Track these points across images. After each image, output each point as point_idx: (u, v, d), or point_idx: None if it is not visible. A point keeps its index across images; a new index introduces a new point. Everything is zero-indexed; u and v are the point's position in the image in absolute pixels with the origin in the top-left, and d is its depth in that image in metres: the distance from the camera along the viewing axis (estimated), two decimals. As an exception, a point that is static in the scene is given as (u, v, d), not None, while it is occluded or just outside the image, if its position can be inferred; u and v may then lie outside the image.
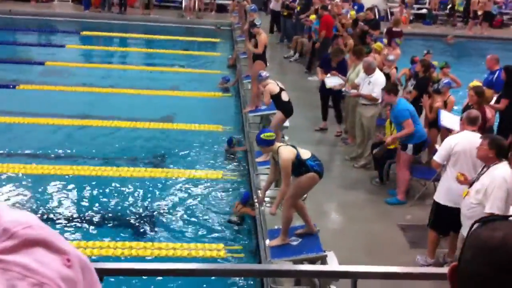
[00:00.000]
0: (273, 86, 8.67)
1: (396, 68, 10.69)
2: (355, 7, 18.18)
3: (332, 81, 10.00)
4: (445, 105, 8.38)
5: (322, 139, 9.95)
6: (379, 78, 8.68)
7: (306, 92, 12.53)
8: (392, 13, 22.50)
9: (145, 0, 20.90)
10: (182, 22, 20.07)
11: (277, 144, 6.00)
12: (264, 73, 8.82)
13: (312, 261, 5.92)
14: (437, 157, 6.09)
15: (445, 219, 5.96)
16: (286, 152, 5.79)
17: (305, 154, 5.95)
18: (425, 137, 7.65)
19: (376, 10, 19.36)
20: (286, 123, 9.32)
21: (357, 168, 8.62)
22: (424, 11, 23.27)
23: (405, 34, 18.96)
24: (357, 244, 6.60)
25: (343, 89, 9.58)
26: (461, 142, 5.90)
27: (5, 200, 7.43)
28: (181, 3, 21.86)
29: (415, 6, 23.22)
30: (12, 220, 0.77)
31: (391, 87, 7.72)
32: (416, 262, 6.23)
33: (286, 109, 8.71)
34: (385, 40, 13.16)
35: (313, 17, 15.14)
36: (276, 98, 8.69)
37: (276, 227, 6.36)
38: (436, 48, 19.30)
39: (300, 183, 5.91)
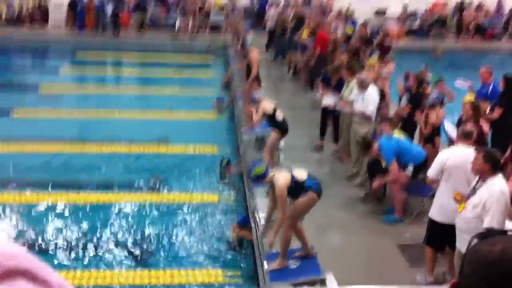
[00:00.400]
0: (267, 105, 8.67)
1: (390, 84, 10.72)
2: (350, 24, 18.30)
3: (328, 100, 10.03)
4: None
5: (318, 158, 9.92)
6: (372, 94, 8.69)
7: (302, 110, 12.54)
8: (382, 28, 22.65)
9: (138, 20, 20.98)
10: (176, 43, 20.16)
11: (273, 171, 5.98)
12: (257, 95, 8.83)
13: (311, 284, 5.87)
14: (430, 173, 6.11)
15: (440, 235, 5.95)
16: (280, 180, 5.77)
17: (302, 174, 5.93)
18: (423, 157, 7.58)
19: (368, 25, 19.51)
20: (281, 143, 9.31)
21: (353, 186, 8.58)
22: (416, 24, 23.39)
23: (399, 49, 19.11)
24: (356, 264, 6.55)
25: (337, 107, 9.60)
26: (453, 157, 5.90)
27: (-1, 230, 7.37)
28: (174, 24, 21.97)
29: (408, 21, 23.34)
30: None
31: (395, 122, 7.65)
32: (416, 281, 6.17)
33: (281, 127, 8.70)
34: (375, 56, 13.22)
35: (305, 34, 15.21)
36: (270, 117, 8.68)
37: (274, 251, 6.30)
38: (430, 62, 19.41)
39: (299, 204, 5.88)
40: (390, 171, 7.36)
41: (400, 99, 10.09)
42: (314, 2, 22.71)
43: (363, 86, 8.71)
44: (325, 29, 14.83)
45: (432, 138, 8.47)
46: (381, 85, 10.05)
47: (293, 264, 6.13)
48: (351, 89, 9.32)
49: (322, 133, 10.28)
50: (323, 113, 10.27)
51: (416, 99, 9.18)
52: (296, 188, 5.81)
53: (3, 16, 19.98)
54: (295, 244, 6.67)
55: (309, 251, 6.15)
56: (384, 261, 6.66)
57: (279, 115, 8.72)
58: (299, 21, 17.02)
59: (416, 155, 7.55)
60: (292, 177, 5.81)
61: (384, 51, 13.78)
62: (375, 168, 7.87)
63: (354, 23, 18.84)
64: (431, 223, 6.08)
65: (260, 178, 5.96)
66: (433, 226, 6.04)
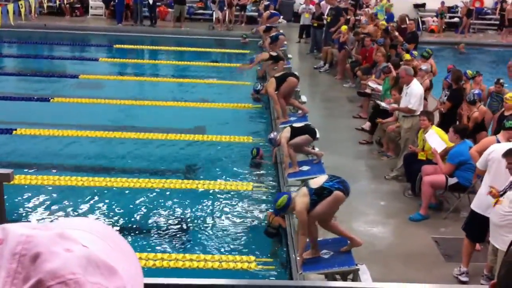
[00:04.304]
0: (285, 134, 8.17)
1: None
2: (385, 17, 18.07)
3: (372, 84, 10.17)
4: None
5: (356, 150, 9.83)
6: (415, 89, 8.58)
7: (337, 102, 12.49)
8: (424, 23, 22.30)
9: (176, 13, 21.20)
10: (212, 34, 20.27)
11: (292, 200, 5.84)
12: (274, 135, 8.52)
13: (344, 275, 5.85)
14: (478, 163, 6.14)
15: (477, 226, 5.92)
16: (298, 204, 5.69)
17: (318, 181, 5.80)
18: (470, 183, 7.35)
19: (406, 19, 19.23)
20: (317, 135, 9.26)
21: (389, 180, 8.50)
22: (456, 19, 22.94)
23: (437, 44, 18.78)
24: (390, 257, 6.50)
25: (382, 104, 9.62)
26: (497, 150, 5.82)
27: (40, 213, 7.58)
28: (211, 15, 22.10)
29: (447, 15, 22.90)
30: (51, 270, 0.60)
31: (460, 130, 7.47)
32: (453, 274, 6.10)
33: (309, 133, 8.39)
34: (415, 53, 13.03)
35: (344, 28, 15.11)
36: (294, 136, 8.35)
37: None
38: (468, 58, 19.05)
39: (324, 207, 5.76)
40: (442, 168, 7.21)
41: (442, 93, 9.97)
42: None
43: (406, 80, 8.66)
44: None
45: (474, 134, 8.30)
46: (420, 79, 9.93)
47: (326, 254, 6.12)
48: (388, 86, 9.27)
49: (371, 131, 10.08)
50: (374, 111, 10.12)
51: (455, 95, 9.03)
52: (319, 196, 5.70)
53: (45, 7, 20.39)
54: (328, 234, 6.68)
55: (356, 241, 6.04)
56: (419, 255, 6.59)
57: (298, 127, 8.44)
58: (336, 15, 16.92)
59: (468, 177, 7.28)
60: (310, 190, 5.70)
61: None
62: (412, 161, 7.80)
63: (391, 16, 18.60)
64: (471, 212, 6.08)
65: (285, 210, 5.91)
66: (472, 216, 6.02)
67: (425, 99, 9.62)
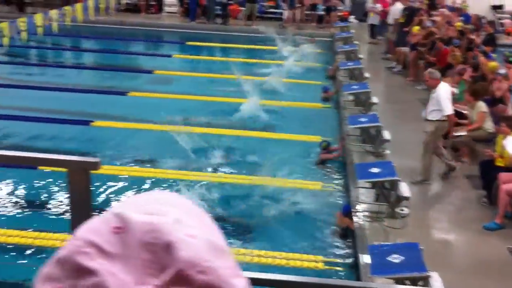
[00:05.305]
0: None
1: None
2: (462, 18, 17.51)
3: None
4: None
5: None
6: (441, 93, 8.20)
7: (409, 104, 12.22)
8: (502, 24, 21.41)
9: (247, 11, 21.42)
10: (282, 33, 20.33)
11: None
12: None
13: (414, 281, 5.74)
14: None
15: None
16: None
17: None
18: None
19: (481, 21, 18.56)
20: (388, 136, 9.13)
21: (467, 186, 8.21)
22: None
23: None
24: (462, 266, 6.31)
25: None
26: None
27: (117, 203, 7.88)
28: (282, 14, 22.15)
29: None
30: (188, 259, 0.58)
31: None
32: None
33: None
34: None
35: (416, 28, 14.77)
36: None
37: (375, 242, 6.23)
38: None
39: None
40: None
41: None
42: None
43: (431, 83, 8.32)
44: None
45: None
46: (499, 84, 9.56)
47: (396, 259, 6.02)
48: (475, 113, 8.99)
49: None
50: None
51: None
52: None
53: (123, 3, 21.12)
54: (398, 239, 6.57)
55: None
56: (493, 265, 6.35)
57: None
58: (409, 15, 16.55)
59: None
60: None
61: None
62: (489, 168, 7.53)
63: (467, 18, 18.00)
64: None
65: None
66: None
67: (505, 104, 9.25)
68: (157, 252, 0.58)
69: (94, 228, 0.61)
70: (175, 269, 0.57)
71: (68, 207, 7.45)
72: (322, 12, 22.28)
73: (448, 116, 8.16)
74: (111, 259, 0.58)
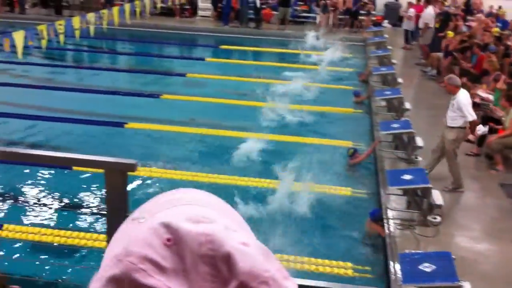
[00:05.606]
0: None
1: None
2: (499, 24, 17.18)
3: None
4: None
5: (462, 161, 9.43)
6: (462, 100, 8.02)
7: (442, 110, 12.02)
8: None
9: (280, 16, 21.46)
10: (315, 37, 20.29)
11: None
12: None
13: (445, 290, 5.66)
14: None
15: None
16: None
17: None
18: None
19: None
20: (420, 143, 9.03)
21: (494, 195, 8.07)
22: None
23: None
24: (495, 277, 6.18)
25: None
26: None
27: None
28: (315, 18, 22.12)
29: None
30: (249, 271, 0.57)
31: None
32: None
33: None
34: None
35: (450, 34, 14.57)
36: None
37: (407, 251, 6.17)
38: None
39: None
40: None
41: None
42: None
43: (452, 89, 8.15)
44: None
45: None
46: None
47: (427, 267, 5.95)
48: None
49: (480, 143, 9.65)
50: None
51: None
52: None
53: (159, 7, 21.40)
54: (429, 247, 6.48)
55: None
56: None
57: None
58: (445, 20, 16.33)
59: None
60: None
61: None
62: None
63: (505, 23, 17.65)
64: None
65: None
66: None
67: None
68: (216, 264, 0.56)
69: (145, 241, 0.57)
70: (237, 282, 0.55)
71: (96, 208, 7.53)
72: (357, 16, 22.17)
73: (470, 122, 8.03)
74: (168, 275, 0.55)
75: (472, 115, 7.99)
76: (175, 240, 0.56)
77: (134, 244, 0.57)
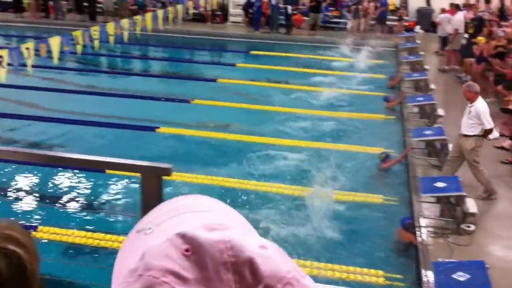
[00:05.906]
0: None
1: None
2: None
3: None
4: None
5: (496, 169, 9.24)
6: (480, 107, 7.81)
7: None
8: None
9: (311, 21, 21.44)
10: (346, 43, 20.22)
11: None
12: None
13: (479, 300, 5.55)
14: None
15: None
16: None
17: None
18: None
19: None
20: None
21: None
22: None
23: None
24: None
25: None
26: None
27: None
28: (346, 24, 22.03)
29: None
30: (272, 274, 0.57)
31: None
32: None
33: None
34: None
35: (481, 39, 14.32)
36: None
37: (440, 259, 6.07)
38: None
39: None
40: None
41: None
42: (494, 4, 21.23)
43: (470, 96, 7.96)
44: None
45: None
46: None
47: (461, 277, 5.84)
48: None
49: None
50: None
51: None
52: None
53: (191, 13, 21.64)
54: (463, 256, 6.36)
55: None
56: None
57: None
58: (479, 25, 16.06)
59: None
60: None
61: None
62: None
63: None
64: None
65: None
66: None
67: None
68: (239, 270, 0.56)
69: (163, 253, 0.56)
70: (262, 286, 0.56)
71: (131, 211, 7.55)
72: (385, 22, 21.99)
73: (487, 130, 7.86)
74: (191, 285, 0.55)
75: (490, 123, 7.84)
76: (193, 249, 0.56)
77: (152, 258, 0.56)
